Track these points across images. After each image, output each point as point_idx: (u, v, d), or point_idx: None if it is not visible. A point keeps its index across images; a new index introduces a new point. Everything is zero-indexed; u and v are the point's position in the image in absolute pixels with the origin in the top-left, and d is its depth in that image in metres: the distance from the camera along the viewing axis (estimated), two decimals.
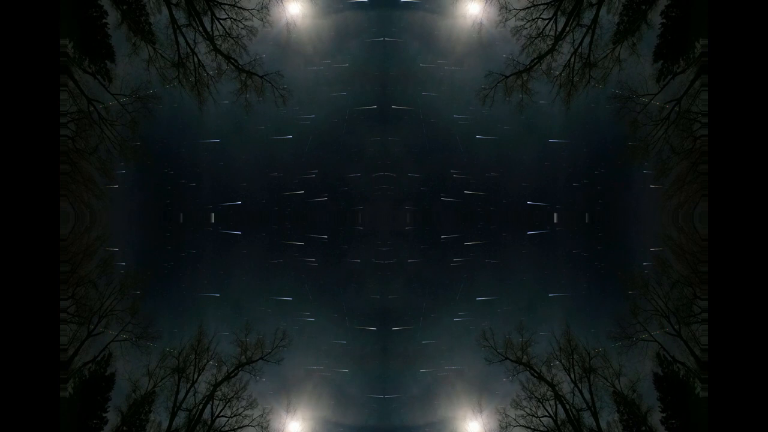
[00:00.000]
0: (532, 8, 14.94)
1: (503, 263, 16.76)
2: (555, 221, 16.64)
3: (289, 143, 16.15)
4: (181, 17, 14.99)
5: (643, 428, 12.65)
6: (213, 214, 16.53)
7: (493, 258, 16.74)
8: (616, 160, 16.21)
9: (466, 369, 14.46)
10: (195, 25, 15.09)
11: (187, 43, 15.22)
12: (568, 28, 15.12)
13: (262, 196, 16.44)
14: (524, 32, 15.14)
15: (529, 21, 15.05)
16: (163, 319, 15.11)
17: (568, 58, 15.40)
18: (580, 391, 13.56)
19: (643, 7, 14.80)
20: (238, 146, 16.28)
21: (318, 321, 15.38)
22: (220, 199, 16.43)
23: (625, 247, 16.71)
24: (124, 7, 14.61)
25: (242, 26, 15.12)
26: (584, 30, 15.11)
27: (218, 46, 15.31)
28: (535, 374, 14.09)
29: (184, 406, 13.17)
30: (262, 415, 13.24)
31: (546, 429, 12.98)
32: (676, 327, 14.20)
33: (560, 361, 14.31)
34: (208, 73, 15.55)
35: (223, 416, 13.13)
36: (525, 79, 15.62)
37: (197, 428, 12.81)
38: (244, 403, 13.43)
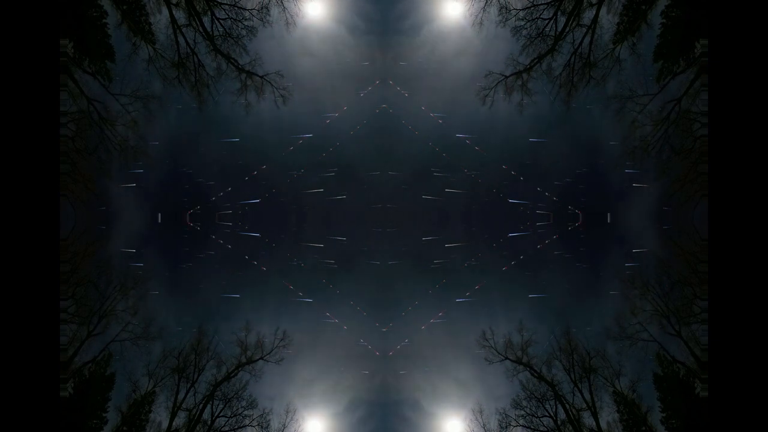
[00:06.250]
0: (532, 8, 14.94)
1: (484, 264, 16.81)
2: (550, 221, 16.67)
3: (309, 142, 16.26)
4: (181, 17, 14.98)
5: (643, 428, 12.65)
6: (217, 214, 16.57)
7: (474, 259, 16.81)
8: (598, 159, 16.24)
9: (449, 369, 14.51)
10: (195, 25, 15.09)
11: (187, 43, 15.22)
12: (568, 28, 15.12)
13: (281, 194, 16.53)
14: (524, 32, 15.14)
15: (529, 21, 15.05)
16: (178, 320, 15.15)
17: (568, 58, 15.40)
18: (580, 391, 13.56)
19: (643, 7, 14.80)
20: (257, 145, 16.34)
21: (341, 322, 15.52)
22: (239, 198, 16.51)
23: (609, 247, 16.73)
24: (124, 7, 14.60)
25: (242, 26, 15.12)
26: (584, 30, 15.11)
27: (218, 46, 15.30)
28: (535, 374, 14.09)
29: (184, 406, 13.17)
30: (262, 415, 13.24)
31: (546, 429, 12.98)
32: (676, 327, 14.20)
33: (560, 361, 14.32)
34: (208, 73, 15.55)
35: (223, 416, 13.13)
36: (525, 79, 15.62)
37: (197, 428, 12.81)
38: (244, 403, 13.43)
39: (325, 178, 16.50)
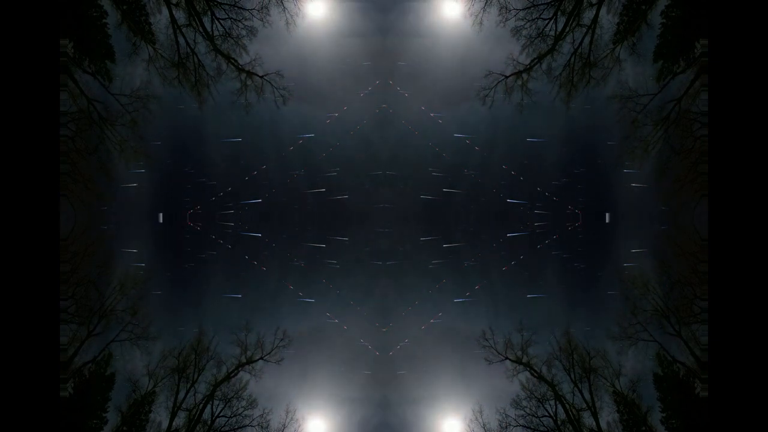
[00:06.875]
0: (532, 8, 14.94)
1: (483, 264, 16.84)
2: (549, 221, 16.68)
3: (311, 142, 16.29)
4: (181, 17, 14.99)
5: (643, 428, 12.65)
6: (218, 214, 16.57)
7: (474, 259, 16.84)
8: (597, 159, 16.26)
9: (448, 368, 14.52)
10: (195, 25, 15.09)
11: (187, 43, 15.22)
12: (568, 28, 15.13)
13: (282, 194, 16.56)
14: (524, 32, 15.14)
15: (529, 21, 15.05)
16: (179, 319, 15.17)
17: (568, 58, 15.41)
18: (580, 391, 13.57)
19: (643, 7, 14.81)
20: (257, 145, 16.36)
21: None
22: (240, 198, 16.53)
23: (608, 247, 16.74)
24: (124, 7, 14.61)
25: (242, 26, 15.12)
26: (584, 30, 15.11)
27: (218, 46, 15.31)
28: (535, 374, 14.09)
29: (184, 406, 13.17)
30: (262, 415, 13.24)
31: (546, 429, 12.98)
32: (676, 327, 14.20)
33: (560, 361, 14.32)
34: (208, 73, 15.55)
35: (223, 416, 13.13)
36: (525, 79, 15.63)
37: (197, 428, 12.81)
38: (244, 403, 13.43)
39: (325, 178, 16.52)
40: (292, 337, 14.89)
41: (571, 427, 12.90)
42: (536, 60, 15.45)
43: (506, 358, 14.49)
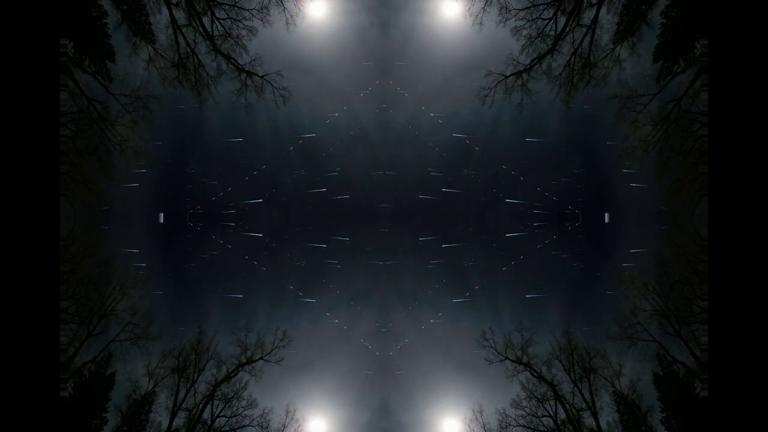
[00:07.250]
0: (532, 8, 14.95)
1: (483, 264, 16.84)
2: (549, 221, 16.66)
3: (311, 142, 16.29)
4: (181, 17, 14.99)
5: (643, 428, 12.65)
6: (219, 214, 16.56)
7: (474, 259, 16.84)
8: (595, 159, 16.26)
9: (448, 368, 14.53)
10: (195, 25, 15.09)
11: (187, 43, 15.22)
12: (568, 28, 15.13)
13: (283, 194, 16.56)
14: (524, 32, 15.15)
15: (529, 21, 15.06)
16: (179, 319, 15.18)
17: (568, 58, 15.41)
18: (580, 391, 13.56)
19: (643, 7, 14.81)
20: (257, 145, 16.37)
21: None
22: (241, 198, 16.53)
23: (607, 247, 16.74)
24: (124, 7, 14.61)
25: (242, 26, 15.12)
26: (584, 30, 15.11)
27: (218, 46, 15.31)
28: (535, 374, 14.09)
29: (184, 406, 13.17)
30: (262, 415, 13.24)
31: (546, 429, 12.98)
32: (676, 327, 14.20)
33: (560, 361, 14.32)
34: (208, 73, 15.56)
35: (223, 416, 13.13)
36: (525, 79, 15.63)
37: (197, 428, 12.81)
38: (244, 403, 13.44)
39: (326, 178, 16.53)
40: (292, 337, 14.89)
41: (571, 427, 12.90)
42: (536, 60, 15.46)
43: (506, 358, 14.49)
